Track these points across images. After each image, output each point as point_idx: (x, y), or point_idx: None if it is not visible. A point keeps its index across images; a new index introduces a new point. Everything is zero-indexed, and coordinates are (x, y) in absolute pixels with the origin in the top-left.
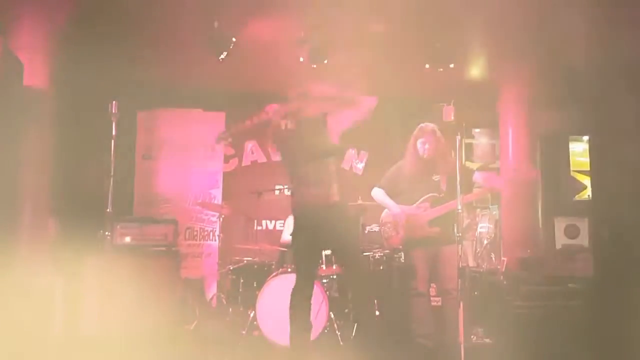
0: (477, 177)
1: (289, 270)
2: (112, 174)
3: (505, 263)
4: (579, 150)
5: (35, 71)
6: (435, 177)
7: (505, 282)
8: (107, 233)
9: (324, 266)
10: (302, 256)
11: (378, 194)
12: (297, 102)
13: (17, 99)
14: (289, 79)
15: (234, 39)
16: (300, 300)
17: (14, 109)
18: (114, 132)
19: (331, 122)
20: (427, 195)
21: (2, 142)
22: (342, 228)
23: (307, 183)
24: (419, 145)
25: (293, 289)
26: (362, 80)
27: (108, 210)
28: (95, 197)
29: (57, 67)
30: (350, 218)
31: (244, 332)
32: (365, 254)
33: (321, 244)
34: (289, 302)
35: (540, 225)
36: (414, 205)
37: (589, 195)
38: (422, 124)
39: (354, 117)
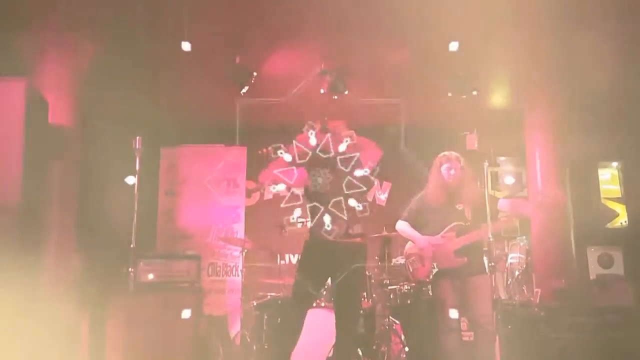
0: (502, 204)
1: (314, 305)
2: (135, 209)
3: (539, 294)
4: (607, 178)
5: (59, 109)
6: (459, 207)
7: (542, 314)
8: (130, 269)
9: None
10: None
11: (403, 227)
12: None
13: (42, 137)
14: (310, 111)
15: (255, 74)
16: None
17: (39, 146)
18: (137, 168)
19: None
20: (452, 225)
21: (27, 179)
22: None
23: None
24: (443, 170)
25: None
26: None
27: (132, 246)
28: (119, 233)
29: (81, 104)
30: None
31: None
32: (390, 287)
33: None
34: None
35: (574, 255)
36: (439, 235)
37: (622, 223)
38: (445, 152)
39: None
